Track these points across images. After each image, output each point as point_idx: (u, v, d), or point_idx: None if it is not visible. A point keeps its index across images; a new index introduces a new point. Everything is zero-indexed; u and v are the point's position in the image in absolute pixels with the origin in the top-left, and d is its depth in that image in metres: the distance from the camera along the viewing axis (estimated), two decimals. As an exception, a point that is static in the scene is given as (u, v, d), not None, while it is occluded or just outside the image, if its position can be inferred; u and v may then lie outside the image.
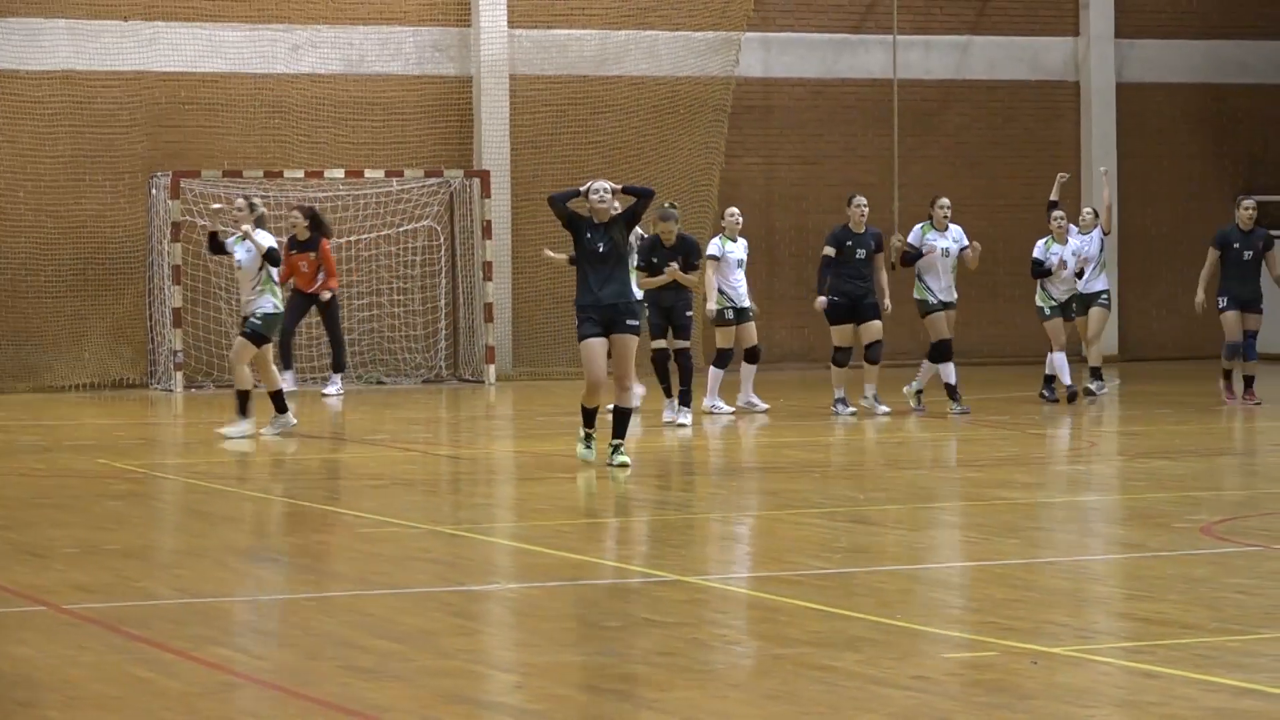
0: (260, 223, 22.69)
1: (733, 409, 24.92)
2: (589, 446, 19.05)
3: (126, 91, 32.11)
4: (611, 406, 19.22)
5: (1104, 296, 27.05)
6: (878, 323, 24.56)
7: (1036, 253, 26.28)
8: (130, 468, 21.65)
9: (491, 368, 32.24)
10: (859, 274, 24.25)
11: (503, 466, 22.83)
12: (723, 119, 34.32)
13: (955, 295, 25.18)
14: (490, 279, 32.42)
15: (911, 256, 24.99)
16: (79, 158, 31.86)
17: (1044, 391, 27.28)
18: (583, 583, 14.18)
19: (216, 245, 24.29)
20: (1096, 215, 27.05)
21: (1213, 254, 24.24)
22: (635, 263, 23.33)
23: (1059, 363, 26.09)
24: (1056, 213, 26.00)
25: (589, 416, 18.88)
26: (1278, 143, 36.37)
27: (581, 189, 18.92)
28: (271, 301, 22.63)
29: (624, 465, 18.75)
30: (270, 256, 22.76)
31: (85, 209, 31.75)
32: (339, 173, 32.19)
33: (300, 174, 31.91)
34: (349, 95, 33.09)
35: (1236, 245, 23.63)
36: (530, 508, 18.49)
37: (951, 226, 25.17)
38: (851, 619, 12.44)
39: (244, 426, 22.99)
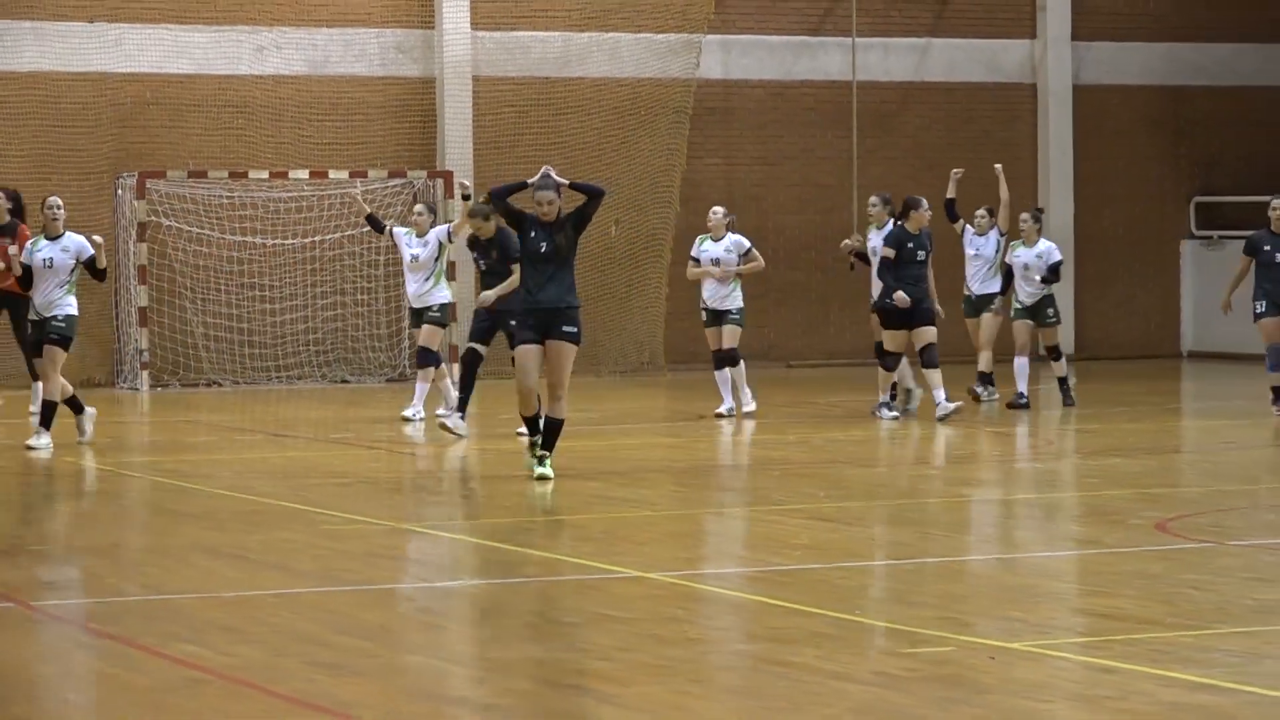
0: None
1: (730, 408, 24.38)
2: (544, 464, 18.32)
3: (92, 92, 32.08)
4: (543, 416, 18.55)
5: (996, 302, 26.42)
6: (932, 327, 24.10)
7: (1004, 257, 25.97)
8: (97, 466, 21.62)
9: (455, 367, 32.23)
10: (920, 276, 23.88)
11: (466, 464, 22.84)
12: (684, 120, 34.36)
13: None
14: (454, 279, 32.40)
15: (864, 258, 25.00)
16: (45, 158, 31.83)
17: (976, 388, 26.97)
18: (544, 579, 14.22)
19: (377, 225, 25.21)
20: (992, 214, 26.64)
21: (1245, 260, 23.56)
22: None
23: (1020, 367, 25.69)
24: (1023, 215, 25.71)
25: (532, 425, 18.46)
26: (1234, 145, 36.47)
27: (529, 181, 18.44)
28: (76, 303, 22.33)
29: (545, 479, 18.10)
30: (91, 265, 22.13)
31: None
32: (303, 173, 32.20)
33: (265, 174, 31.92)
34: (313, 96, 33.08)
35: (1268, 248, 22.99)
36: (493, 505, 18.51)
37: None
38: (812, 614, 12.49)
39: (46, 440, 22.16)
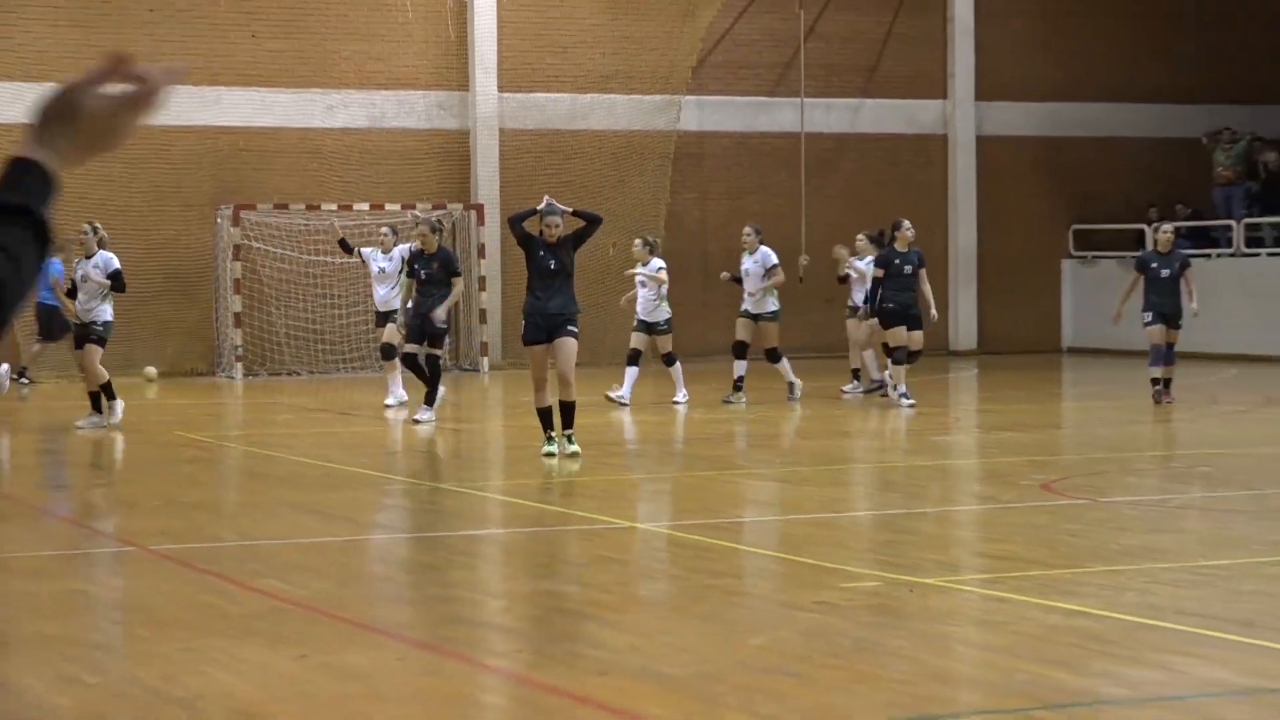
0: (102, 244, 21.92)
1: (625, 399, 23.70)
2: (552, 444, 17.92)
3: (196, 141, 31.96)
4: (557, 401, 18.10)
5: (769, 315, 24.79)
6: (919, 333, 23.44)
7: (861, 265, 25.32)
8: (201, 438, 21.59)
9: (485, 359, 32.21)
10: (908, 286, 23.12)
11: (495, 436, 22.82)
12: (667, 164, 34.29)
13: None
14: (484, 290, 32.38)
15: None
16: (160, 194, 31.73)
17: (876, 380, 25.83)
18: (556, 529, 14.21)
19: (346, 247, 24.38)
20: (758, 233, 25.33)
21: (1135, 276, 23.10)
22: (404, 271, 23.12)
23: (869, 358, 25.55)
24: (745, 229, 25.06)
25: (546, 419, 18.01)
26: (1102, 184, 36.37)
27: (538, 208, 18.16)
28: (111, 311, 21.93)
29: (576, 455, 17.66)
30: (116, 278, 21.76)
31: (164, 233, 31.59)
32: (365, 205, 32.12)
33: (334, 206, 31.81)
34: (372, 144, 32.97)
35: (1154, 265, 22.52)
36: (515, 470, 18.49)
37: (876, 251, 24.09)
38: (765, 556, 12.48)
39: (96, 419, 21.76)
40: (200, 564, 12.27)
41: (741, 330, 24.37)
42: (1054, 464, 18.05)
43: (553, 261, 17.70)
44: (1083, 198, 36.79)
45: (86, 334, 21.59)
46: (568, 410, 17.75)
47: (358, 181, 33.04)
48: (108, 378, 21.45)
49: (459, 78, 33.70)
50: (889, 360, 23.35)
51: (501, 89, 33.43)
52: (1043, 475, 16.83)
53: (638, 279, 24.38)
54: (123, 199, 31.10)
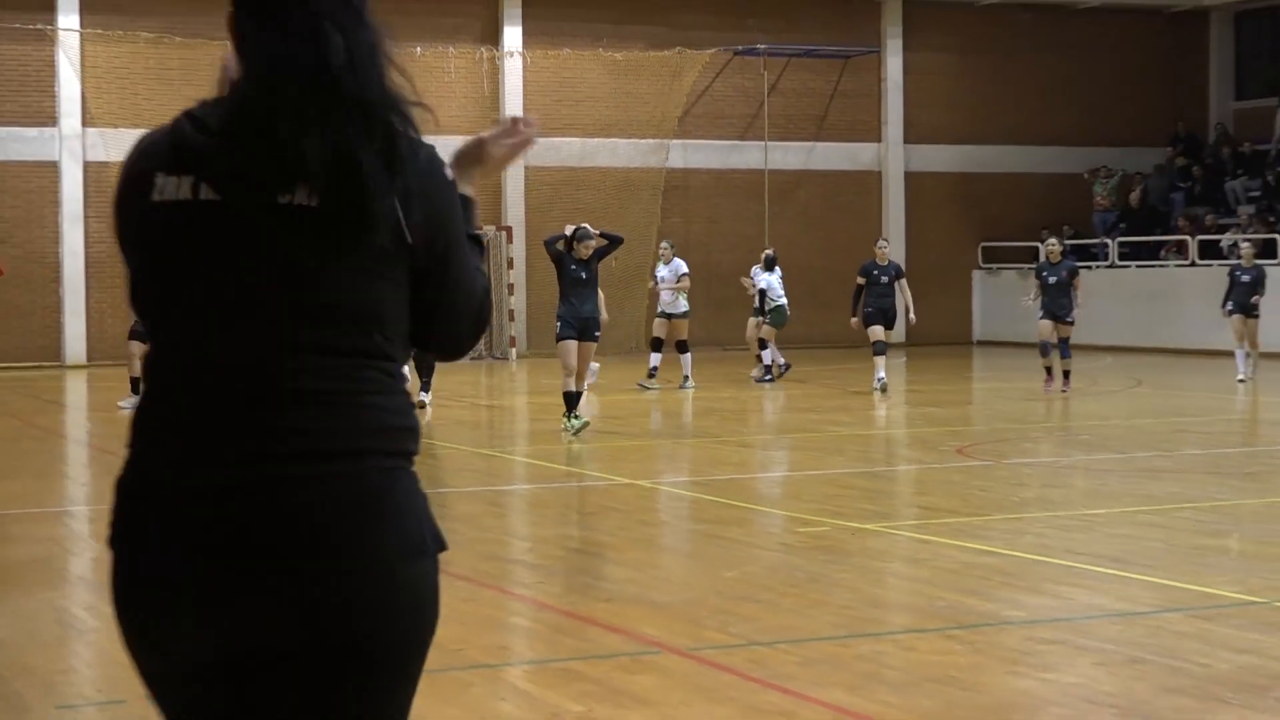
0: None
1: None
2: (571, 422, 17.38)
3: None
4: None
5: (681, 314, 23.93)
6: (890, 330, 22.68)
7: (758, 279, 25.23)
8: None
9: (514, 350, 32.19)
10: (885, 293, 22.47)
11: (521, 412, 22.81)
12: (658, 194, 34.26)
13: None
14: (513, 294, 32.37)
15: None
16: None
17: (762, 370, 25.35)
18: (571, 484, 14.21)
19: None
20: (672, 248, 24.74)
21: (1038, 282, 22.53)
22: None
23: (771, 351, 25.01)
24: (662, 243, 25.08)
25: (572, 401, 17.55)
26: (1005, 210, 36.32)
27: (566, 232, 17.93)
28: None
29: (586, 424, 17.24)
30: None
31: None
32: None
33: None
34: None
35: (1045, 274, 22.19)
36: (539, 439, 18.48)
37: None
38: (737, 507, 12.48)
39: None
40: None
41: (658, 328, 24.05)
42: (966, 433, 18.08)
43: (584, 273, 17.62)
44: (989, 221, 36.82)
45: (134, 332, 20.79)
46: (577, 396, 17.52)
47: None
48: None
49: (490, 124, 33.60)
50: (873, 354, 22.59)
51: (527, 134, 33.37)
52: (957, 442, 16.84)
53: (659, 277, 24.28)
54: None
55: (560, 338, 17.57)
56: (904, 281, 22.70)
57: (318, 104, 2.85)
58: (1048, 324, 21.77)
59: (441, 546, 3.02)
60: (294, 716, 2.81)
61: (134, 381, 21.13)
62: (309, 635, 2.76)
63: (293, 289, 2.81)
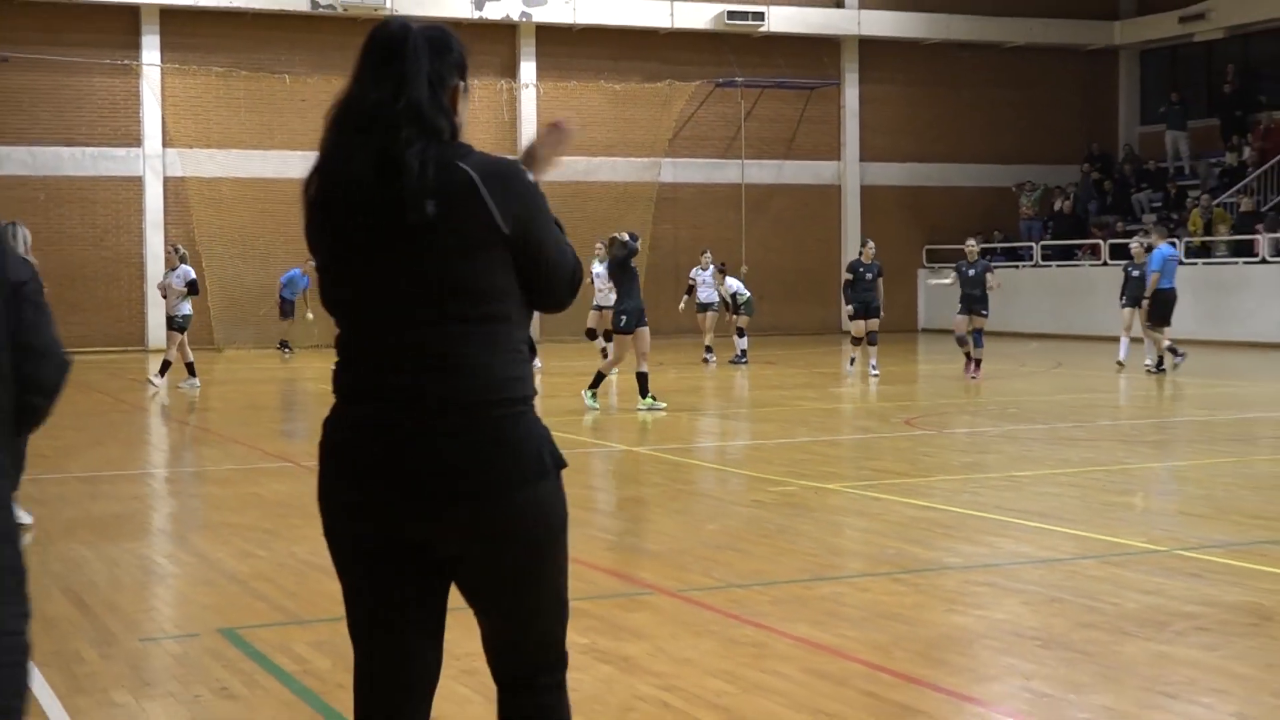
0: (183, 260, 21.04)
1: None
2: (594, 399, 17.20)
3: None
4: (637, 372, 17.26)
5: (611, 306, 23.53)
6: (876, 320, 21.83)
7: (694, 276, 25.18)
8: (325, 389, 21.48)
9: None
10: (869, 289, 21.74)
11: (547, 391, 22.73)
12: (651, 205, 34.27)
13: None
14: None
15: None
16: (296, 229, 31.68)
17: (706, 357, 24.97)
18: (574, 451, 14.23)
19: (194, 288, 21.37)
20: (608, 247, 23.71)
21: (956, 277, 22.04)
22: None
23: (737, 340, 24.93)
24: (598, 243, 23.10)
25: (600, 380, 17.34)
26: (945, 218, 36.26)
27: (634, 244, 17.45)
28: (190, 307, 20.86)
29: (655, 409, 16.85)
30: (192, 286, 20.80)
31: (296, 254, 31.59)
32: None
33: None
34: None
35: (964, 269, 21.67)
36: (562, 415, 18.46)
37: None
38: (717, 469, 12.49)
39: (194, 381, 20.91)
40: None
41: (592, 319, 23.36)
42: (913, 407, 18.09)
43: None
44: (932, 227, 36.86)
45: (171, 324, 20.82)
46: (642, 377, 17.06)
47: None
48: (190, 358, 20.99)
49: (510, 147, 33.62)
50: (867, 344, 21.96)
51: (539, 154, 33.40)
52: (905, 414, 16.85)
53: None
54: (281, 233, 31.10)
55: (621, 330, 17.15)
56: (881, 280, 22.17)
57: (416, 146, 3.26)
58: (963, 319, 21.46)
59: (561, 465, 3.42)
60: (482, 604, 3.42)
61: (165, 365, 20.88)
62: (473, 541, 3.29)
63: (422, 277, 3.25)
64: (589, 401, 17.09)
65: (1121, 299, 22.99)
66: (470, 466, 3.24)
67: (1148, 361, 22.29)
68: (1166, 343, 22.05)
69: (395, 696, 3.44)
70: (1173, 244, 24.02)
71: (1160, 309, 22.09)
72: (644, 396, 17.01)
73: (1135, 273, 22.63)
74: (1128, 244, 31.86)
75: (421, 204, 3.19)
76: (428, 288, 3.25)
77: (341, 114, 3.33)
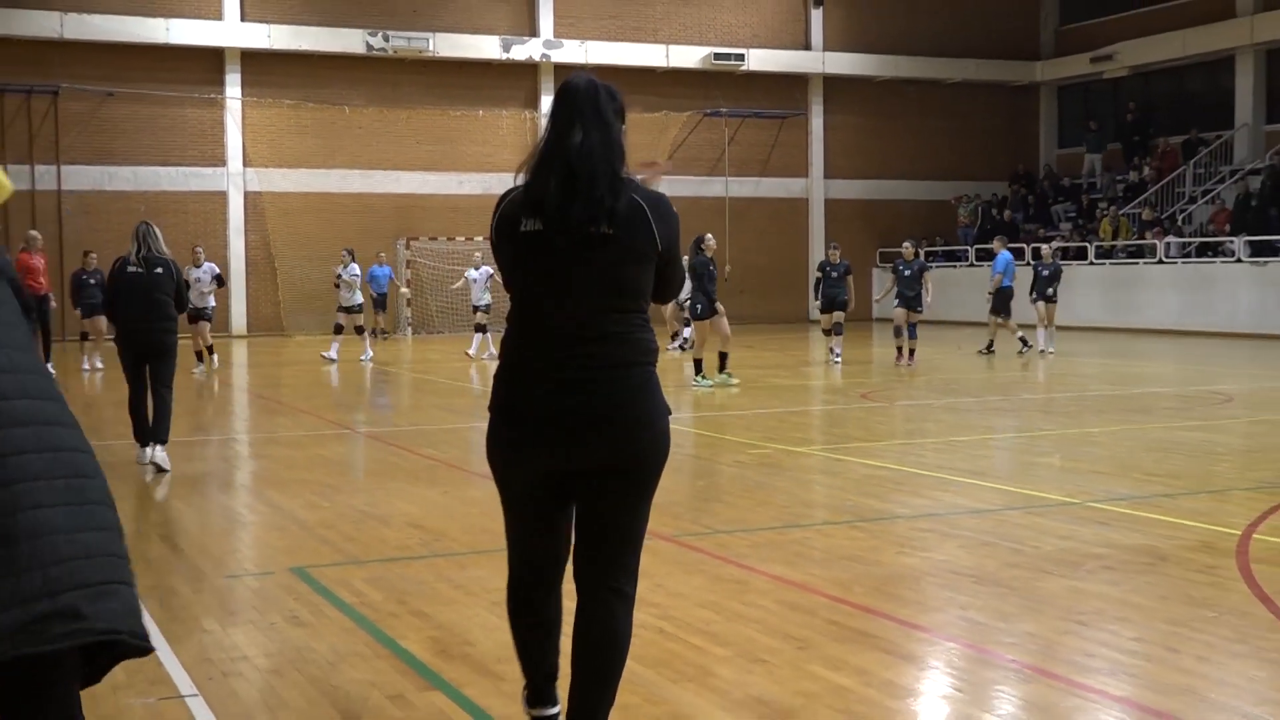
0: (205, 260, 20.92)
1: None
2: (702, 379, 16.76)
3: (388, 201, 31.99)
4: (720, 352, 17.16)
5: (698, 307, 22.66)
6: (842, 313, 20.85)
7: None
8: (387, 368, 21.43)
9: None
10: (835, 285, 20.84)
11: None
12: (650, 214, 34.30)
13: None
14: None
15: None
16: (370, 229, 31.71)
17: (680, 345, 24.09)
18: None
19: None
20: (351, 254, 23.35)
21: (892, 276, 21.43)
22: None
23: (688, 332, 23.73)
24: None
25: (699, 366, 16.88)
26: (895, 226, 36.09)
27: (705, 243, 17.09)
28: (214, 299, 20.56)
29: (728, 384, 16.62)
30: (218, 279, 20.67)
31: (370, 252, 31.67)
32: (479, 238, 32.21)
33: (462, 239, 31.79)
34: (486, 203, 32.84)
35: (901, 268, 20.92)
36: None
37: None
38: (705, 435, 12.46)
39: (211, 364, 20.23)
40: (387, 439, 12.26)
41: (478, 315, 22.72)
42: (867, 383, 18.07)
43: (715, 269, 16.99)
44: (883, 233, 36.79)
45: (201, 315, 20.31)
46: (725, 356, 16.87)
47: (477, 226, 32.98)
48: (210, 342, 20.47)
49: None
50: (833, 334, 21.12)
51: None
52: (861, 389, 16.85)
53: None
54: (354, 232, 31.11)
55: (698, 317, 16.94)
56: (851, 278, 21.29)
57: (607, 179, 3.71)
58: (901, 312, 20.79)
59: (669, 411, 3.83)
60: (599, 513, 3.80)
61: (197, 354, 20.45)
62: (613, 463, 3.72)
63: (597, 277, 3.67)
64: (703, 384, 16.71)
65: (1031, 294, 22.56)
66: (618, 407, 3.69)
67: (1044, 348, 22.24)
68: (1020, 333, 22.29)
69: (544, 570, 3.94)
70: (1011, 251, 23.94)
71: (1001, 303, 22.40)
72: (720, 372, 16.81)
73: (1045, 272, 22.48)
74: (1039, 248, 32.04)
75: (602, 224, 3.64)
76: (600, 285, 3.68)
77: (546, 152, 3.72)
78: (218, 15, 30.61)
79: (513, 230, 3.73)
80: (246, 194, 31.36)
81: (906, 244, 22.06)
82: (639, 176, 3.90)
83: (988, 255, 34.10)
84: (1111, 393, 16.20)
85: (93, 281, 20.12)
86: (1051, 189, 36.24)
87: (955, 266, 34.41)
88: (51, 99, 29.23)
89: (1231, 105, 33.09)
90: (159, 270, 10.46)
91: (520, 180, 3.77)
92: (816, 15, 35.93)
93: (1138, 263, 30.25)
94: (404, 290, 28.53)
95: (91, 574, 2.58)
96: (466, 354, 22.88)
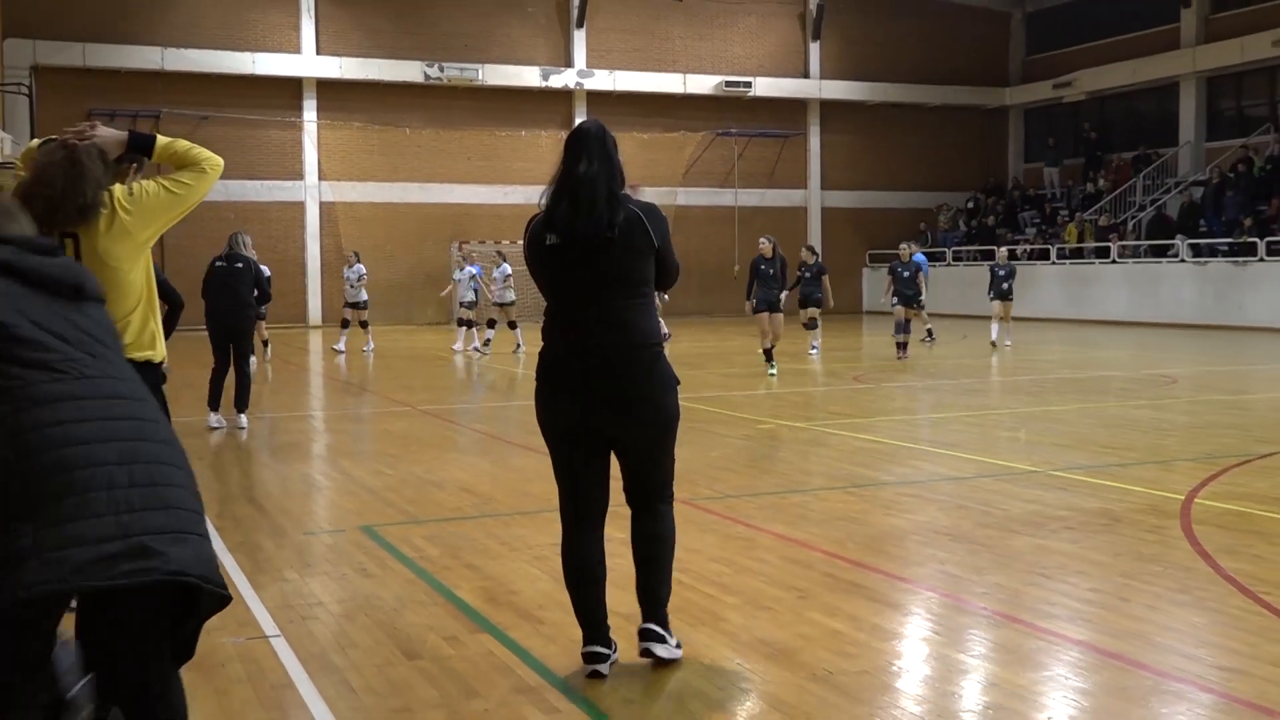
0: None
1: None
2: (772, 367, 16.40)
3: (443, 210, 32.01)
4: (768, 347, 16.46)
5: (510, 303, 21.50)
6: (816, 310, 19.53)
7: None
8: (440, 353, 21.38)
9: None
10: (810, 284, 19.38)
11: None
12: (669, 223, 34.15)
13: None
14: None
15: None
16: (429, 235, 31.71)
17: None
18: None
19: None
20: (502, 256, 22.39)
21: (889, 276, 20.22)
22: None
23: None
24: None
25: (769, 355, 16.30)
26: (885, 231, 36.03)
27: (762, 243, 16.47)
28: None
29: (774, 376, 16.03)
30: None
31: (427, 253, 31.66)
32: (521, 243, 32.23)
33: (508, 242, 31.81)
34: (526, 212, 32.79)
35: (899, 269, 19.78)
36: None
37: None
38: (717, 413, 12.43)
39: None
40: (443, 416, 12.28)
41: (495, 311, 21.71)
42: (859, 367, 18.02)
43: (772, 270, 16.46)
44: (872, 237, 36.66)
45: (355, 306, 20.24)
46: (769, 350, 16.42)
47: (520, 231, 32.98)
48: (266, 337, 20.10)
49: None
50: (807, 328, 20.30)
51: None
52: (853, 372, 16.78)
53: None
54: (414, 238, 31.11)
55: (755, 311, 16.35)
56: (826, 277, 20.04)
57: (605, 198, 4.12)
58: (901, 309, 19.89)
59: (678, 382, 4.21)
60: (629, 464, 4.25)
61: (343, 323, 20.71)
62: (631, 427, 4.13)
63: (605, 272, 4.06)
64: (771, 371, 16.19)
65: (990, 293, 21.75)
66: (633, 383, 4.08)
67: (995, 341, 21.27)
68: (928, 328, 22.29)
69: (591, 509, 4.29)
70: (923, 254, 23.41)
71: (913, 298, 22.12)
72: (768, 361, 16.30)
73: (1001, 272, 21.53)
74: (1014, 250, 31.86)
75: (605, 233, 4.06)
76: (611, 278, 4.06)
77: (563, 179, 4.16)
78: (296, 50, 30.76)
79: (539, 246, 4.15)
80: (321, 204, 31.51)
81: (904, 245, 21.38)
82: (631, 192, 4.27)
83: (969, 256, 34.07)
84: (1071, 376, 16.11)
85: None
86: (1020, 199, 36.10)
87: (935, 266, 34.26)
88: (154, 122, 29.35)
89: (1176, 125, 32.90)
90: (239, 266, 11.39)
91: (542, 204, 4.18)
92: (814, 48, 35.79)
93: (1094, 262, 30.13)
94: (444, 293, 27.82)
95: (164, 523, 2.60)
96: (453, 349, 21.44)
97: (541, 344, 4.21)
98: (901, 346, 19.27)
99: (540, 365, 4.18)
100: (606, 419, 4.09)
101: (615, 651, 4.30)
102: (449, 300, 30.80)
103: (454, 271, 22.26)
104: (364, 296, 22.23)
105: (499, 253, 22.95)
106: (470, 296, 21.83)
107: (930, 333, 22.00)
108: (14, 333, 2.65)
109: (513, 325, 21.40)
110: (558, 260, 4.10)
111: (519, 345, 21.10)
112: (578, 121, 33.33)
